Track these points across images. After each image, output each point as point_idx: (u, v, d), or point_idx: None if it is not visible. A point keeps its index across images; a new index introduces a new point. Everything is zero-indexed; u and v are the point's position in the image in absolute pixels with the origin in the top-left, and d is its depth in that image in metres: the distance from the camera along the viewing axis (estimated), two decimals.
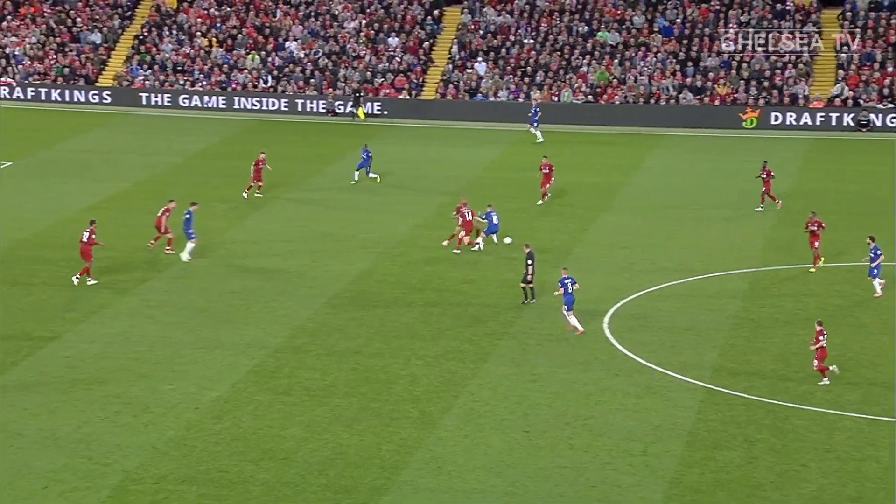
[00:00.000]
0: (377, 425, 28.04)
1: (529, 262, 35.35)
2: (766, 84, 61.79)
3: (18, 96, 64.19)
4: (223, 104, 63.69)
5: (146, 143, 56.25)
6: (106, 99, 63.92)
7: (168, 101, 63.82)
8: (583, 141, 58.78)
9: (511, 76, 64.27)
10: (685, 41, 64.48)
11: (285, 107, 63.52)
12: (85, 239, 36.78)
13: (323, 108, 63.24)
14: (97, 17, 68.53)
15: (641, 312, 35.19)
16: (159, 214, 39.99)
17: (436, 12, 68.11)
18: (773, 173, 45.58)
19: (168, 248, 39.85)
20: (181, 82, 65.10)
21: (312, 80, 64.93)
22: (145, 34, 67.50)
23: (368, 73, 65.08)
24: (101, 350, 31.90)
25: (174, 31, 67.63)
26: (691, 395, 29.79)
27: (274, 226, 43.74)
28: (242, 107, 63.66)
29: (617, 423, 28.25)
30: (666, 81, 62.54)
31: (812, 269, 38.27)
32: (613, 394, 29.82)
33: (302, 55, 66.21)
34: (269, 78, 65.17)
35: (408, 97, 64.01)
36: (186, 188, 48.36)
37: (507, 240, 41.41)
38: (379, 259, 40.14)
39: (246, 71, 65.41)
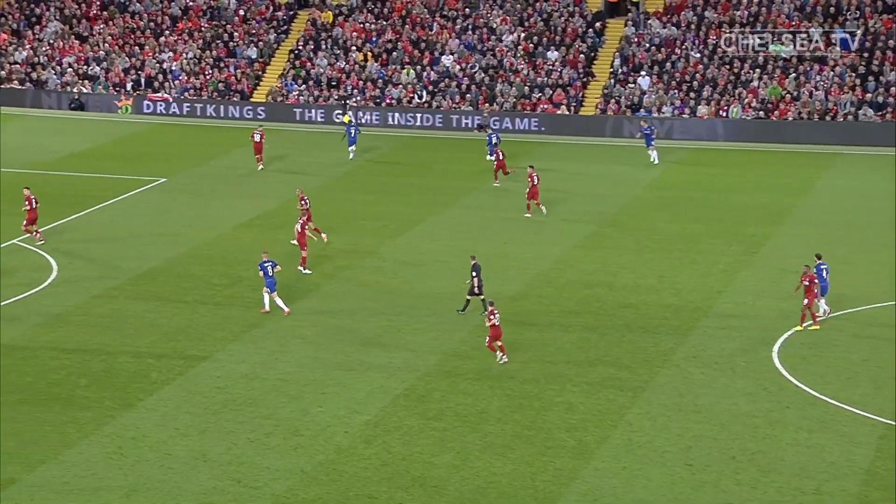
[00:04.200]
0: (531, 454, 27.95)
1: (474, 273, 35.74)
2: None
3: (174, 111, 66.17)
4: (377, 120, 64.58)
5: (299, 159, 57.38)
6: (260, 114, 65.41)
7: (321, 117, 64.98)
8: (752, 159, 57.71)
9: (676, 91, 63.59)
10: (866, 54, 62.82)
11: (440, 122, 64.04)
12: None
13: (477, 122, 63.56)
14: (253, 31, 70.26)
15: (815, 341, 34.30)
16: (33, 207, 42.56)
17: (598, 24, 67.88)
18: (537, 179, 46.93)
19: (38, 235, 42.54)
20: (335, 97, 66.24)
21: (468, 95, 65.35)
22: (300, 48, 68.94)
23: (526, 87, 65.21)
24: (251, 370, 32.58)
25: (329, 46, 68.91)
26: (870, 431, 28.88)
27: (426, 245, 44.09)
28: (396, 122, 64.43)
29: (787, 458, 27.56)
30: (844, 97, 60.98)
31: (800, 328, 34.95)
32: (784, 427, 29.11)
33: (457, 69, 66.71)
34: (424, 93, 65.84)
35: (567, 112, 63.92)
36: (338, 205, 49.19)
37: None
38: (534, 281, 40.07)
39: (401, 86, 66.23)
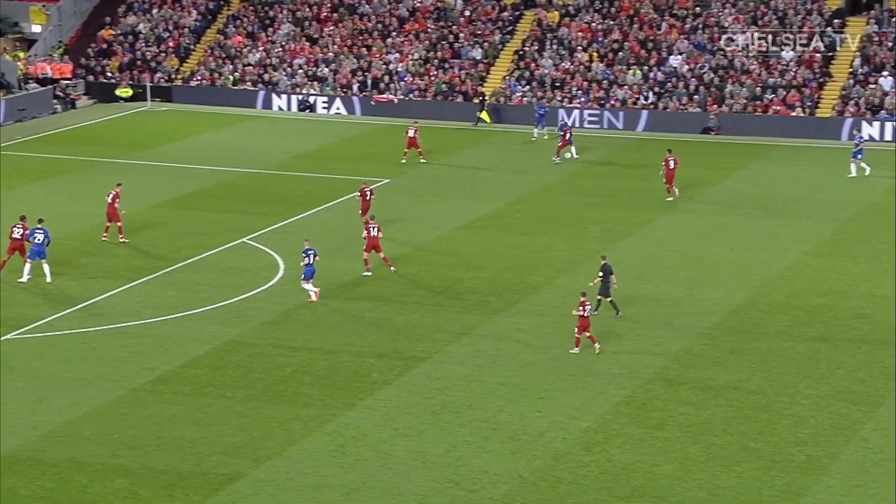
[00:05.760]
0: (757, 468, 27.33)
1: (601, 274, 35.64)
2: None
3: (399, 113, 67.17)
4: (600, 121, 64.25)
5: (521, 160, 57.60)
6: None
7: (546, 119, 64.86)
8: None
9: None
10: None
11: (665, 125, 63.24)
12: (18, 235, 39.91)
13: (709, 125, 62.50)
14: (479, 32, 70.89)
15: None
16: (109, 201, 43.23)
17: (836, 22, 65.79)
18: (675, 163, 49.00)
19: (120, 235, 43.45)
20: (558, 98, 66.24)
21: (696, 97, 64.35)
22: (525, 49, 69.19)
23: (758, 88, 63.78)
24: (470, 372, 32.89)
25: (554, 46, 68.95)
26: None
27: (649, 250, 43.63)
28: (621, 124, 63.93)
29: None
30: None
31: None
32: None
33: (686, 70, 65.77)
34: (651, 94, 65.17)
35: (801, 114, 62.22)
36: (559, 209, 49.17)
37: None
38: (762, 288, 39.17)
39: (626, 87, 65.73)
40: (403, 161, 55.81)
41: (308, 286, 37.87)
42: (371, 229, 40.33)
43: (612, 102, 65.37)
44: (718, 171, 55.14)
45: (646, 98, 65.10)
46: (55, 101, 68.26)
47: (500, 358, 33.87)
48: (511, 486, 26.71)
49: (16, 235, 39.65)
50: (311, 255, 37.81)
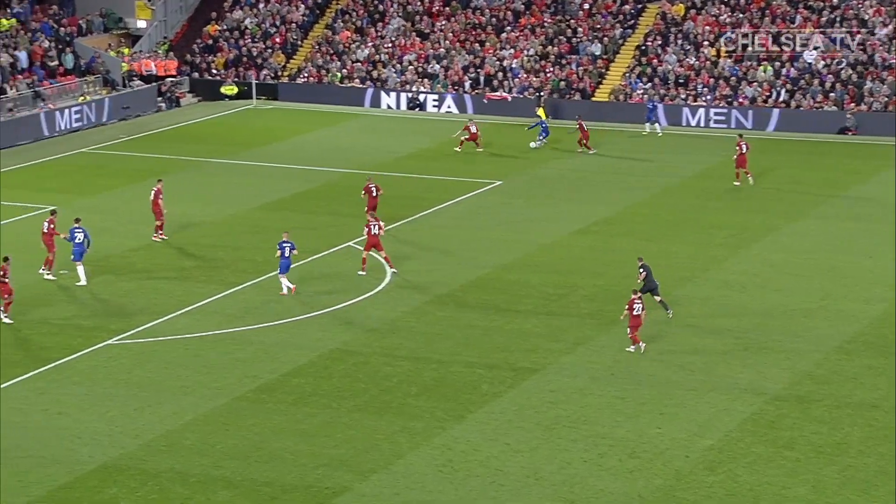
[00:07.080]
0: None
1: (643, 272, 36.17)
2: None
3: (513, 112, 67.16)
4: (727, 120, 63.56)
5: (639, 163, 57.22)
6: (602, 114, 65.49)
7: (668, 118, 64.43)
8: None
9: None
10: None
11: (799, 124, 62.35)
12: (45, 230, 40.26)
13: (846, 124, 61.46)
14: (598, 26, 70.60)
15: None
16: (152, 199, 44.33)
17: None
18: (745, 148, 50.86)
19: (159, 233, 44.38)
20: (682, 96, 65.65)
21: (832, 95, 63.30)
22: (648, 44, 68.74)
23: None
24: (586, 385, 32.75)
25: (679, 41, 68.38)
26: None
27: (779, 257, 43.04)
28: (750, 123, 63.18)
29: None
30: None
31: None
32: None
33: (821, 66, 64.72)
34: (782, 91, 64.26)
35: None
36: (682, 212, 48.72)
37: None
38: None
39: (756, 84, 64.91)
40: (457, 150, 58.14)
41: (283, 280, 38.58)
42: (371, 227, 40.56)
43: (741, 100, 64.61)
44: (855, 174, 54.17)
45: (777, 96, 64.23)
46: (159, 98, 69.69)
47: (617, 370, 33.68)
48: None
49: (45, 231, 40.70)
50: (288, 248, 38.66)
